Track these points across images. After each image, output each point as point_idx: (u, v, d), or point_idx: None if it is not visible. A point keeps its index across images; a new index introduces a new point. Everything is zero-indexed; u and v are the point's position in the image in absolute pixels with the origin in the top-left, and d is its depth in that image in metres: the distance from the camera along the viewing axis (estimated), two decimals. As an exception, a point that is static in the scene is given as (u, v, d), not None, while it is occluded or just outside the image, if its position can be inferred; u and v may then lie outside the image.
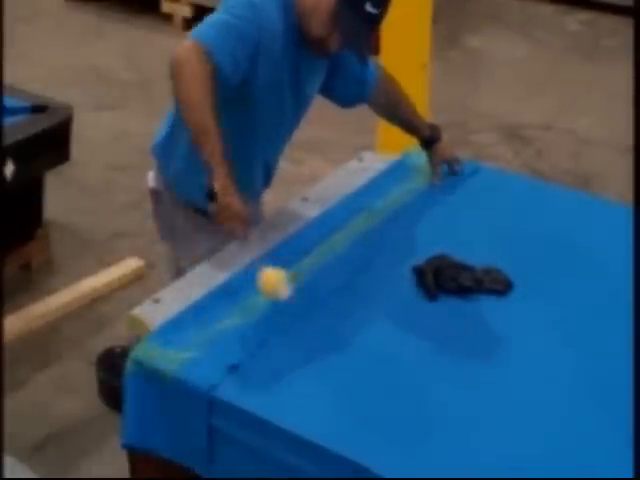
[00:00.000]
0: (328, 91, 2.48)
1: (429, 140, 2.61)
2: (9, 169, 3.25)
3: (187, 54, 2.09)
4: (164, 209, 2.48)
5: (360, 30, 2.17)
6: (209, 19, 2.17)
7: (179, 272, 2.40)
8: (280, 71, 2.25)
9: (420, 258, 2.25)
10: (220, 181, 2.03)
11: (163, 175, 2.46)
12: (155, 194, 2.50)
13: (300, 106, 2.41)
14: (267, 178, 2.52)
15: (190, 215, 2.41)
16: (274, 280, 2.01)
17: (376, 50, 2.84)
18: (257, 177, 2.48)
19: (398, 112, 2.60)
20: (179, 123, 2.28)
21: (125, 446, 2.02)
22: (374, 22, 2.18)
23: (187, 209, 2.42)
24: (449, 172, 2.68)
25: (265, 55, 2.19)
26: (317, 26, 2.19)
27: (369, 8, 2.13)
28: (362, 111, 2.64)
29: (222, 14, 2.17)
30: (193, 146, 2.17)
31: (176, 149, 2.37)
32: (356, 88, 2.47)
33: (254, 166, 2.44)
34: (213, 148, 2.04)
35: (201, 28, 2.14)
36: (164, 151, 2.43)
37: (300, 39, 2.24)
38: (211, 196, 2.02)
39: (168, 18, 6.14)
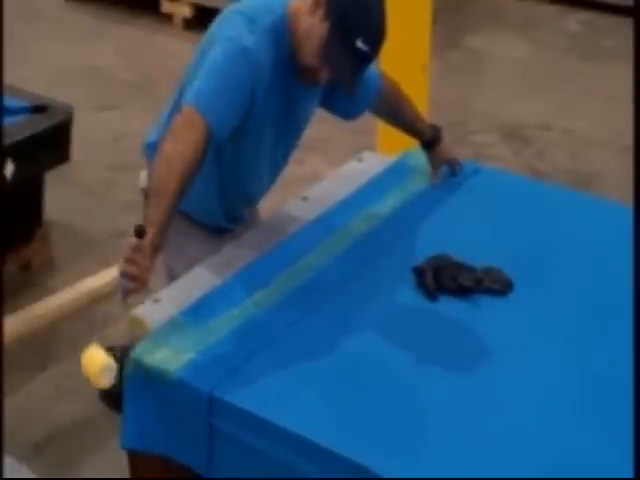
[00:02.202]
0: (329, 105, 2.45)
1: (430, 142, 2.60)
2: (9, 169, 3.25)
3: (186, 123, 2.03)
4: None
5: (349, 66, 2.11)
6: (206, 78, 2.08)
7: (172, 277, 2.39)
8: (272, 104, 2.21)
9: (420, 258, 2.25)
10: (152, 235, 1.89)
11: None
12: (147, 194, 2.50)
13: (293, 132, 2.39)
14: (253, 203, 2.53)
15: (180, 220, 2.40)
16: (98, 364, 1.92)
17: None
18: (247, 204, 2.49)
19: (399, 117, 2.59)
20: None
21: (124, 447, 2.02)
22: (364, 60, 2.11)
23: (178, 213, 2.41)
24: (449, 173, 2.68)
25: (258, 96, 2.15)
26: (307, 56, 2.14)
27: (360, 44, 2.06)
28: (362, 111, 2.63)
29: (219, 71, 2.08)
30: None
31: None
32: (358, 102, 2.42)
33: (243, 197, 2.44)
34: (161, 214, 1.94)
35: (200, 95, 2.06)
36: (156, 152, 2.42)
37: (292, 67, 2.20)
38: (138, 233, 1.88)
39: (168, 18, 6.14)
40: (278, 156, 2.41)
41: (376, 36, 2.11)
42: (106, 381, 1.93)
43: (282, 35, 2.16)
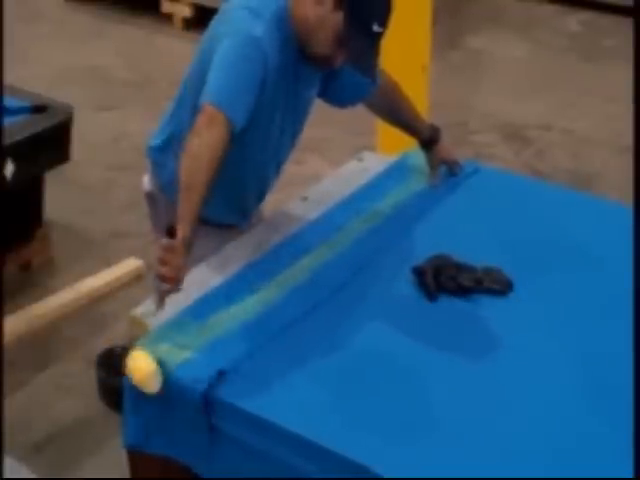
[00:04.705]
0: (326, 94, 2.46)
1: (429, 141, 2.61)
2: (9, 169, 3.25)
3: (209, 121, 2.06)
4: (160, 212, 2.48)
5: (367, 49, 2.17)
6: (220, 73, 2.12)
7: None
8: (281, 89, 2.25)
9: (420, 258, 2.25)
10: (184, 231, 1.94)
11: (159, 179, 2.46)
12: (151, 197, 2.51)
13: (297, 120, 2.40)
14: (262, 195, 2.52)
15: None
16: (144, 369, 1.92)
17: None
18: (253, 196, 2.48)
19: (398, 114, 2.60)
20: (180, 128, 2.28)
21: (126, 447, 2.02)
22: (379, 40, 2.18)
23: None
24: (448, 173, 2.68)
25: (268, 84, 2.19)
26: (321, 45, 2.18)
27: (376, 28, 2.14)
28: (362, 111, 2.63)
29: (231, 63, 2.13)
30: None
31: (175, 155, 2.35)
32: (355, 91, 2.45)
33: (252, 184, 2.44)
34: (192, 208, 1.98)
35: (218, 91, 2.10)
36: (161, 155, 2.42)
37: (297, 54, 2.23)
38: (170, 232, 1.93)
39: (168, 18, 6.15)
40: (286, 143, 2.42)
41: (387, 15, 2.18)
42: (153, 386, 1.92)
43: (285, 23, 2.20)
